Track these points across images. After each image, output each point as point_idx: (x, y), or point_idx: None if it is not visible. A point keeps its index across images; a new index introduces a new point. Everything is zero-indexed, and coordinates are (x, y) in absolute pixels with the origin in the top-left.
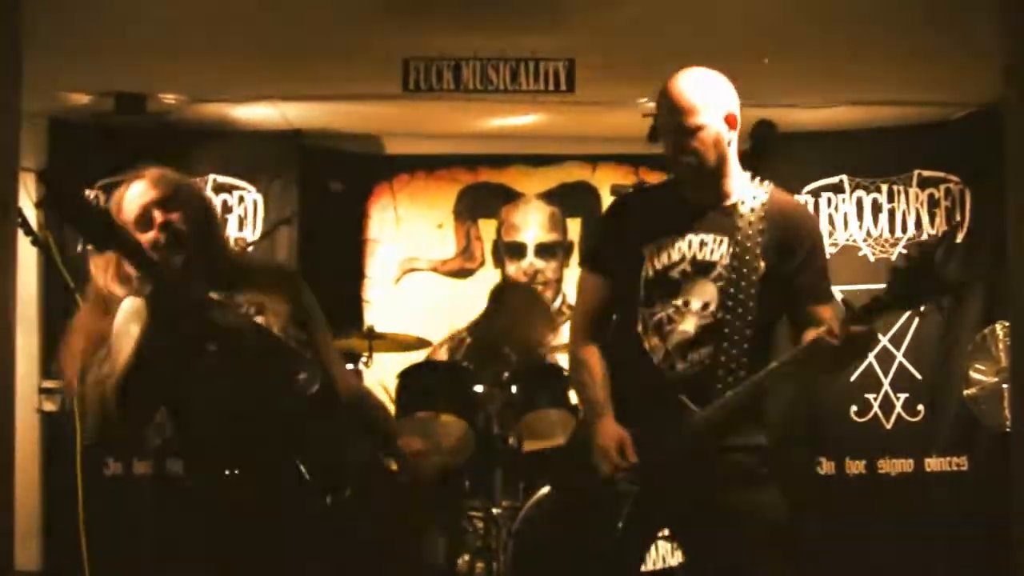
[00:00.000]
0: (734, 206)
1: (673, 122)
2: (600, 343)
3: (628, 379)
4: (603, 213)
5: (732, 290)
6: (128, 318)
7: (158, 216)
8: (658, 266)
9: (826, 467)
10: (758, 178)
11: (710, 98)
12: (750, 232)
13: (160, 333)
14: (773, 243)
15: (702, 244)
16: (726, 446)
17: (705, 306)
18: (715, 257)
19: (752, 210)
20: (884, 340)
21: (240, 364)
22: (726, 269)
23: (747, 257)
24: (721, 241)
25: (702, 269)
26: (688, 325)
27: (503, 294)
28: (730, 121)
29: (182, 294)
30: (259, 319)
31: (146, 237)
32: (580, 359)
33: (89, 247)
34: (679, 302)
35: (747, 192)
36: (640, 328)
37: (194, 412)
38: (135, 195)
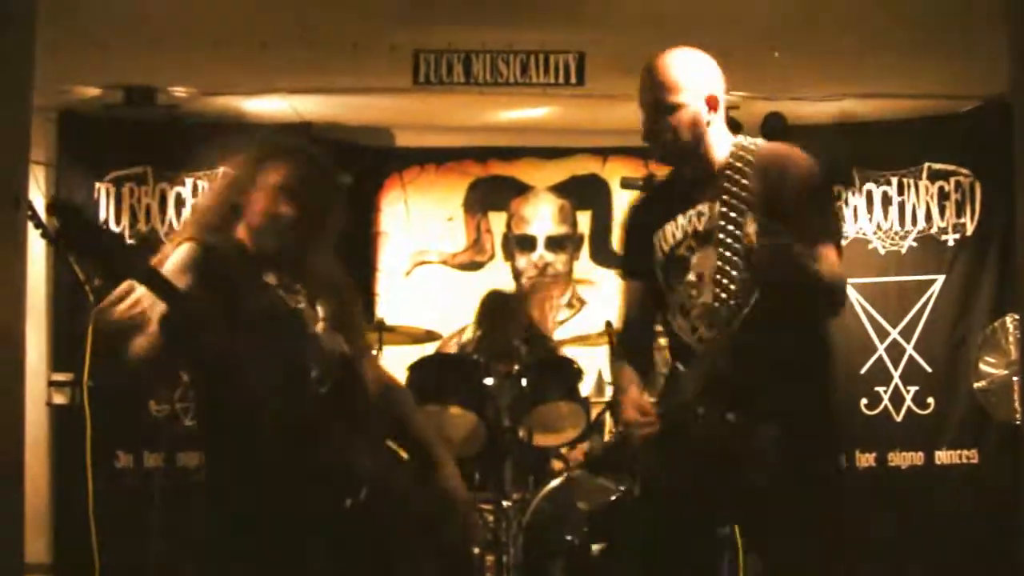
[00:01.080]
0: (721, 170)
1: (651, 97)
2: (640, 342)
3: (671, 361)
4: (622, 222)
5: (728, 252)
6: (178, 269)
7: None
8: (665, 248)
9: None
10: (747, 138)
11: (691, 78)
12: (736, 190)
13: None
14: (762, 195)
15: (699, 215)
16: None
17: (716, 277)
18: (712, 224)
19: (739, 169)
20: (894, 333)
21: (260, 351)
22: (720, 232)
23: (734, 214)
24: (713, 206)
25: (703, 239)
26: (706, 296)
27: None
28: (710, 102)
29: (199, 318)
30: (306, 307)
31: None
32: (618, 360)
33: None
34: (692, 277)
35: (735, 154)
36: (669, 313)
37: (215, 396)
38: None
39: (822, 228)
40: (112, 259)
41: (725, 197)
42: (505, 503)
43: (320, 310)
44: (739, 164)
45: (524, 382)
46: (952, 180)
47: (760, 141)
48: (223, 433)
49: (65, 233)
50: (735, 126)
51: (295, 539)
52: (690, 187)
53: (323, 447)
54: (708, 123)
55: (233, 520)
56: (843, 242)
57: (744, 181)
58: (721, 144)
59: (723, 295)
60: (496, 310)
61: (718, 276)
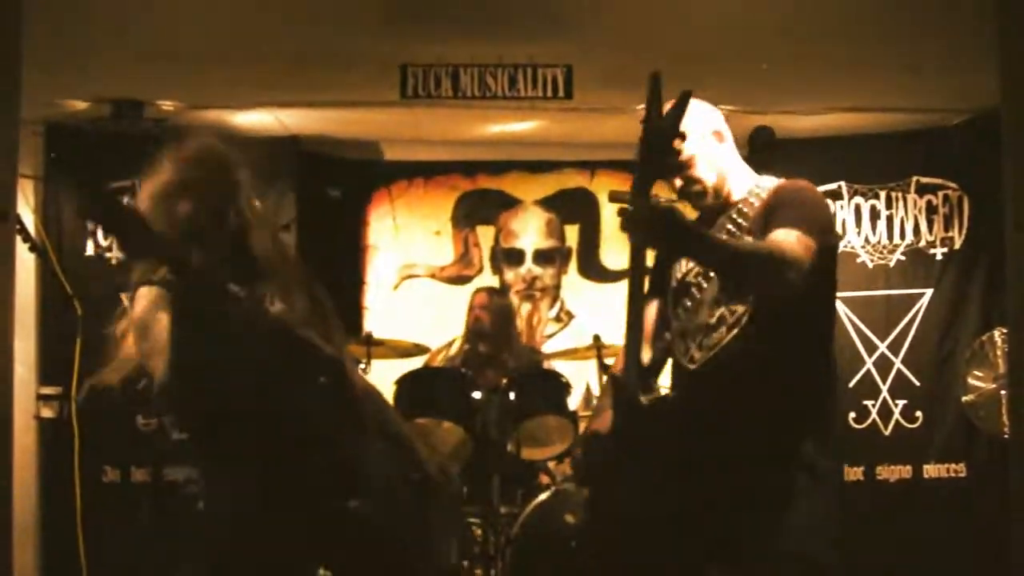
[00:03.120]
0: (737, 206)
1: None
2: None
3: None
4: None
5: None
6: (154, 306)
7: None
8: (678, 275)
9: None
10: (768, 176)
11: (691, 128)
12: (740, 221)
13: (191, 330)
14: (761, 219)
15: None
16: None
17: (716, 301)
18: None
19: (749, 204)
20: (883, 347)
21: (264, 364)
22: None
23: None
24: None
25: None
26: (702, 317)
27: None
28: (716, 137)
29: (213, 291)
30: (278, 312)
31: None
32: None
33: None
34: (693, 303)
35: (753, 190)
36: (668, 335)
37: (215, 412)
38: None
39: (789, 216)
40: (135, 236)
41: (729, 227)
42: (493, 517)
43: (296, 310)
44: (751, 200)
45: (512, 396)
46: (940, 194)
47: (781, 180)
48: (226, 445)
49: (92, 208)
50: None
51: (308, 541)
52: (707, 218)
53: (338, 450)
54: (723, 156)
55: (240, 531)
56: (829, 241)
57: (749, 213)
58: (741, 183)
59: (717, 320)
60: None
61: (726, 302)
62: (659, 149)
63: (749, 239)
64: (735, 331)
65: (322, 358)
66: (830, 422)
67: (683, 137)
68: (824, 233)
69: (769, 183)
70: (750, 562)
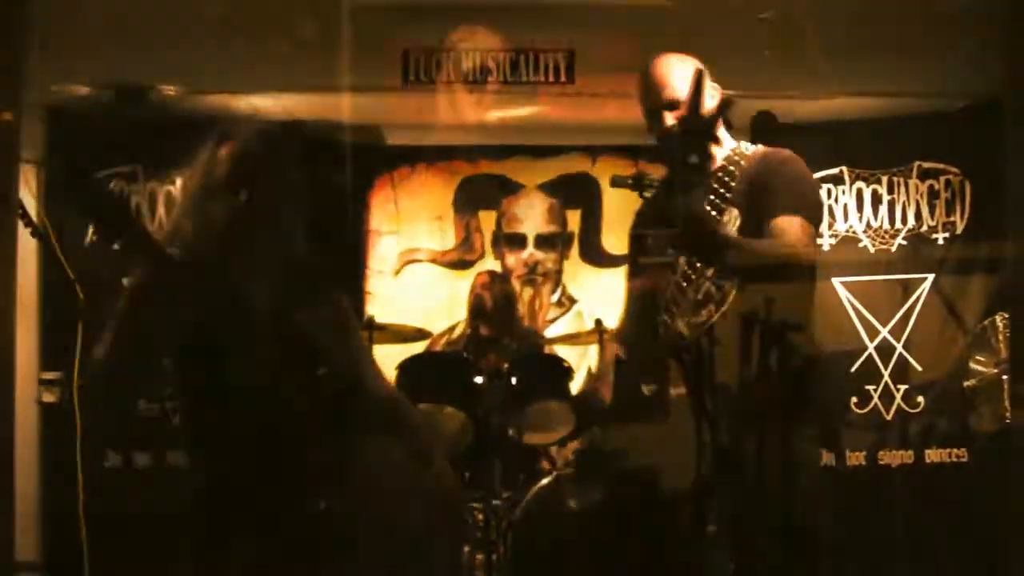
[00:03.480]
0: (717, 173)
1: (657, 99)
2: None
3: (649, 355)
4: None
5: None
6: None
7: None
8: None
9: (826, 458)
10: (744, 142)
11: (685, 75)
12: (722, 191)
13: (139, 323)
14: (746, 188)
15: None
16: None
17: (702, 276)
18: None
19: (729, 172)
20: (884, 331)
21: (260, 352)
22: None
23: (715, 213)
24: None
25: None
26: (689, 294)
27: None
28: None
29: (184, 287)
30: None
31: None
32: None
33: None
34: (678, 277)
35: (731, 157)
36: (655, 311)
37: (206, 399)
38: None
39: (788, 200)
40: (108, 219)
41: (712, 197)
42: (495, 501)
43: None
44: (731, 167)
45: (513, 380)
46: (942, 179)
47: (758, 146)
48: (217, 431)
49: (72, 186)
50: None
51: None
52: (684, 186)
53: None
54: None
55: (226, 518)
56: (822, 220)
57: (731, 183)
58: (723, 145)
59: (704, 296)
60: (492, 301)
61: (701, 277)
62: (695, 147)
63: (734, 211)
64: (723, 307)
65: (323, 355)
66: (816, 395)
67: (718, 141)
68: (817, 211)
69: (747, 149)
70: (744, 537)
